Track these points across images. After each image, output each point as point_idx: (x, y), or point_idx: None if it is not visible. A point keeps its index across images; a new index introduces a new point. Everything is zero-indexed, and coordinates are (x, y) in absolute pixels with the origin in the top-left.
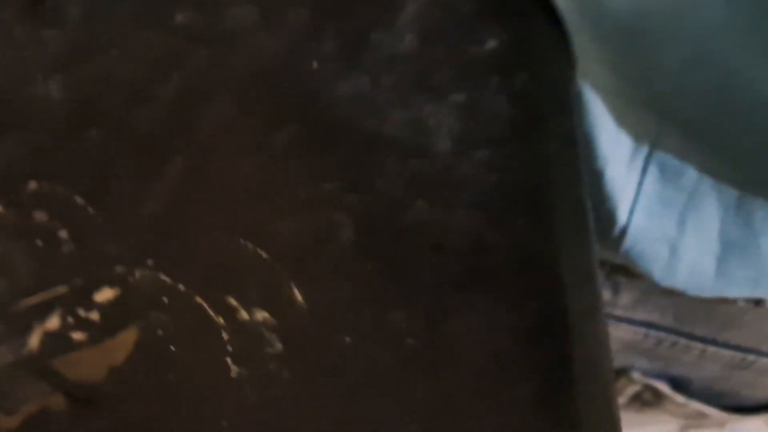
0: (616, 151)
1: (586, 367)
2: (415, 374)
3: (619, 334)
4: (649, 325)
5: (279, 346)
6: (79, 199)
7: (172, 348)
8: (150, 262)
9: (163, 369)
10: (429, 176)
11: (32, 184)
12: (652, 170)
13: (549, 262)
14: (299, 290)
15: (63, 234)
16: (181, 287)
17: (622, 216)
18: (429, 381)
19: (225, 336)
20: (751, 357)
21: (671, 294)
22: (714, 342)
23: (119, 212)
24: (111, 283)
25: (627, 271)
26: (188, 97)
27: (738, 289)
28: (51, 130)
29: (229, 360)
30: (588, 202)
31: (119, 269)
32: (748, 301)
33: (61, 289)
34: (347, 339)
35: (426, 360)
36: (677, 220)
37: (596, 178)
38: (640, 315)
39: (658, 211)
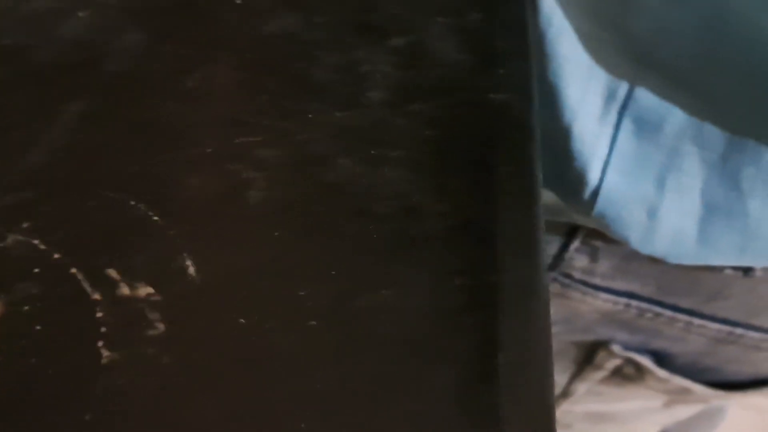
0: (585, 103)
1: (517, 354)
2: (318, 360)
3: (597, 304)
4: (630, 295)
5: (161, 327)
6: None
7: (37, 327)
8: (26, 224)
9: (25, 351)
10: (357, 130)
11: None
12: (627, 124)
13: (484, 231)
14: (193, 261)
15: None
16: (57, 256)
17: (593, 176)
18: (332, 368)
19: (99, 314)
20: (738, 330)
21: (653, 261)
22: (700, 314)
23: (2, 166)
24: None
25: (605, 236)
26: (95, 32)
27: (722, 257)
28: None
29: (100, 343)
30: (538, 160)
31: None
32: (736, 269)
33: None
34: (241, 320)
35: (331, 344)
36: (655, 181)
37: (563, 133)
38: (620, 284)
39: (633, 171)
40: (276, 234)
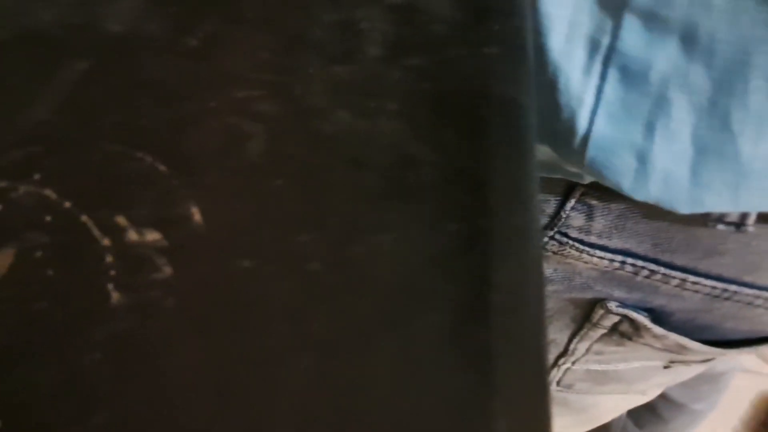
0: (569, 56)
1: (508, 297)
2: (314, 302)
3: (594, 261)
4: (625, 253)
5: (168, 270)
6: None
7: (49, 272)
8: (36, 176)
9: (35, 295)
10: (354, 84)
11: None
12: (613, 73)
13: (477, 180)
14: (198, 208)
15: None
16: (67, 204)
17: (582, 125)
18: (329, 309)
19: (108, 259)
20: (733, 287)
21: (649, 218)
22: (694, 271)
23: (8, 120)
24: None
25: (600, 194)
26: None
27: (716, 198)
28: None
29: (109, 285)
30: (531, 114)
31: (2, 184)
32: (729, 224)
33: None
34: (245, 263)
35: (328, 286)
36: (644, 126)
37: (549, 87)
38: (616, 242)
39: (621, 118)
40: (276, 183)
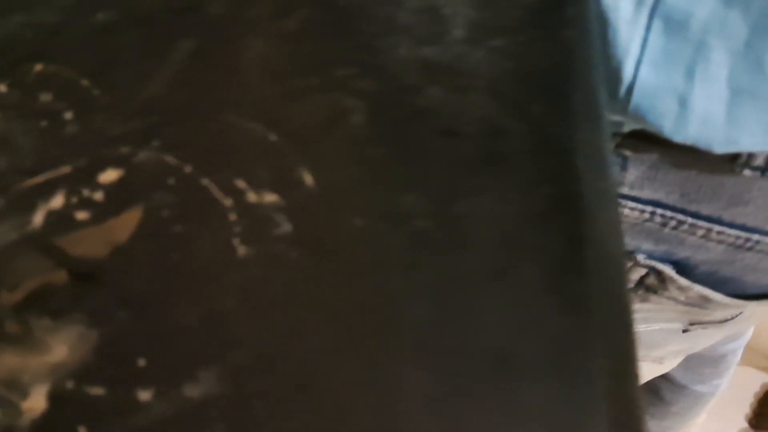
0: (617, 9)
1: (597, 250)
2: (425, 255)
3: (626, 213)
4: (655, 203)
5: (288, 227)
6: (84, 81)
7: (177, 228)
8: (155, 143)
9: (166, 248)
10: (442, 63)
11: (38, 66)
12: (657, 24)
13: (563, 147)
14: (309, 173)
15: (68, 115)
16: (187, 169)
17: (627, 73)
18: (438, 261)
19: (232, 217)
20: (755, 237)
21: (678, 168)
22: (719, 221)
23: (125, 94)
24: (115, 164)
25: (635, 145)
26: None
27: (750, 137)
28: (58, 13)
29: (235, 240)
30: (602, 88)
31: (124, 150)
32: (755, 169)
33: (65, 169)
34: (357, 221)
35: (436, 241)
36: (685, 72)
37: (597, 39)
38: (647, 193)
39: (664, 65)
40: (378, 150)
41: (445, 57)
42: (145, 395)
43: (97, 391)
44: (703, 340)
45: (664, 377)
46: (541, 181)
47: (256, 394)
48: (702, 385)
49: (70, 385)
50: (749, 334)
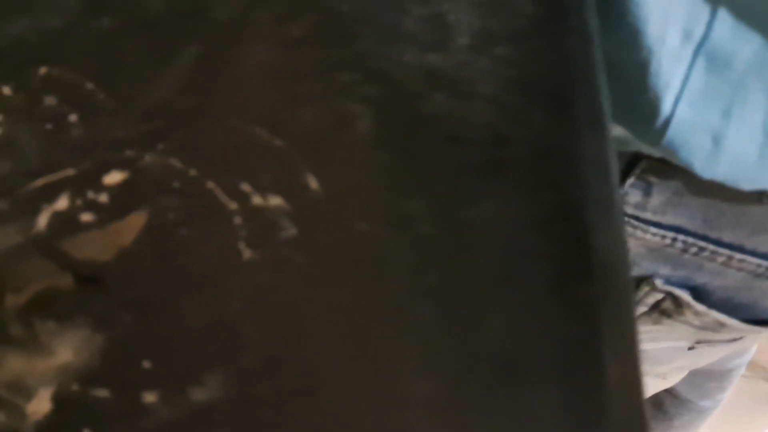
0: (663, 42)
1: (601, 257)
2: (430, 260)
3: (647, 238)
4: (677, 229)
5: (293, 231)
6: (90, 85)
7: (182, 231)
8: (161, 146)
9: (172, 251)
10: (447, 70)
11: (42, 69)
12: (700, 62)
13: (567, 155)
14: (314, 177)
15: (72, 118)
16: (193, 172)
17: (666, 107)
18: (443, 266)
19: (237, 221)
20: None
21: (702, 195)
22: (741, 249)
23: (130, 97)
24: (120, 167)
25: (661, 171)
26: None
27: None
28: (63, 17)
29: (241, 244)
30: (605, 98)
31: (129, 153)
32: None
33: (70, 172)
34: (362, 225)
35: (441, 246)
36: (722, 111)
37: (639, 69)
38: (670, 219)
39: (702, 102)
40: (382, 156)
41: (450, 64)
42: (150, 398)
43: (102, 393)
44: (708, 356)
45: (668, 391)
46: (544, 188)
47: (261, 398)
48: (706, 400)
49: (75, 387)
50: (754, 348)
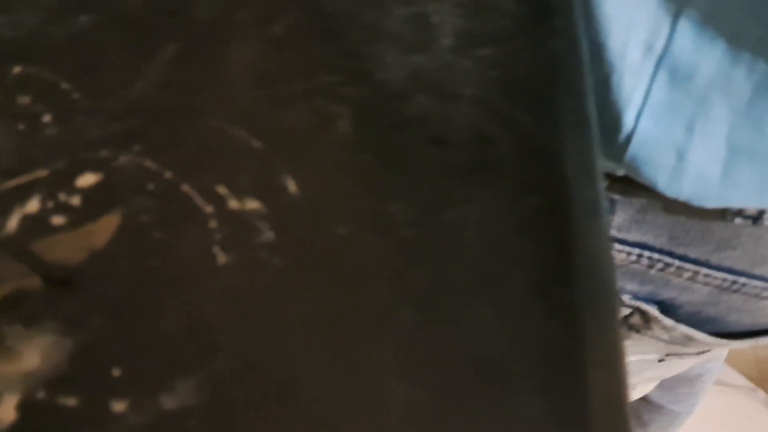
0: (624, 56)
1: (585, 260)
2: (411, 263)
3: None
4: (642, 246)
5: (270, 234)
6: (65, 84)
7: (156, 235)
8: (136, 147)
9: (144, 255)
10: (430, 71)
11: (17, 68)
12: (662, 75)
13: (551, 157)
14: (293, 180)
15: (47, 118)
16: (168, 174)
17: (628, 122)
18: (425, 270)
19: (213, 224)
20: (742, 279)
21: (667, 212)
22: (707, 264)
23: (106, 97)
24: (94, 168)
25: (623, 189)
26: None
27: (743, 196)
28: (40, 14)
29: (216, 248)
30: (591, 100)
31: (103, 154)
32: (746, 218)
33: (42, 173)
34: (342, 229)
35: (422, 249)
36: (685, 126)
37: (601, 84)
38: (634, 236)
39: (665, 117)
40: (364, 158)
41: (433, 65)
42: (119, 406)
43: (69, 401)
44: (677, 368)
45: (643, 399)
46: (528, 190)
47: (235, 404)
48: (678, 405)
49: (41, 395)
50: (724, 355)
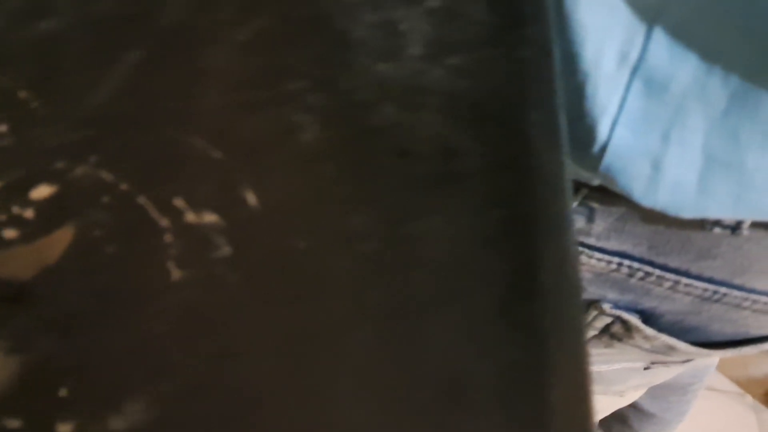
0: (599, 66)
1: (550, 276)
2: (372, 279)
3: (592, 263)
4: (622, 255)
5: (227, 249)
6: (23, 93)
7: (109, 249)
8: (93, 158)
9: (97, 270)
10: (398, 80)
11: None
12: (637, 84)
13: (518, 169)
14: (253, 192)
15: (2, 128)
16: (124, 186)
17: (603, 132)
18: (385, 285)
19: (168, 238)
20: (723, 289)
21: (646, 222)
22: (687, 273)
23: (66, 106)
24: (49, 180)
25: (602, 198)
26: None
27: (719, 207)
28: (1, 19)
29: (170, 263)
30: (561, 111)
31: (59, 165)
32: (725, 228)
33: None
34: (301, 243)
35: (384, 264)
36: (660, 135)
37: (576, 94)
38: (614, 245)
39: (641, 127)
40: (327, 169)
41: (401, 74)
42: (64, 429)
43: (12, 423)
44: (663, 375)
45: (633, 406)
46: (494, 203)
47: (184, 426)
48: (669, 413)
49: None
50: (715, 362)
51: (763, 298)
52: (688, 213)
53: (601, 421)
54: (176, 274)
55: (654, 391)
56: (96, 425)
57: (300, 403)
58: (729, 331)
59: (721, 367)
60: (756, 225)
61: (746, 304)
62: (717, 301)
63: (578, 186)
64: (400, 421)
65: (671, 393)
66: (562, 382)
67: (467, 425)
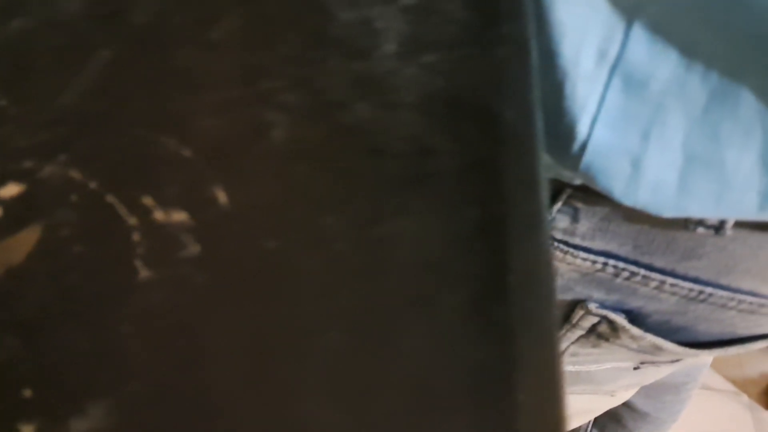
0: (577, 64)
1: (522, 277)
2: (341, 280)
3: (577, 263)
4: (607, 254)
5: (196, 248)
6: None
7: (76, 248)
8: (62, 157)
9: (63, 270)
10: (372, 78)
11: None
12: (616, 82)
13: (492, 169)
14: (223, 191)
15: None
16: (93, 185)
17: (582, 130)
18: (355, 287)
19: (136, 237)
20: (708, 289)
21: (631, 221)
22: (673, 273)
23: (35, 105)
24: (17, 179)
25: (586, 197)
26: None
27: (700, 206)
28: None
29: (137, 262)
30: (538, 110)
31: (27, 164)
32: (708, 228)
33: None
34: (271, 243)
35: (354, 265)
36: (641, 134)
37: (554, 92)
38: (599, 244)
39: (620, 125)
40: (299, 168)
41: (375, 72)
42: (27, 429)
43: None
44: (653, 375)
45: (627, 406)
46: (467, 203)
47: (148, 428)
48: (663, 413)
49: None
50: (709, 361)
51: (749, 298)
52: (669, 212)
53: (595, 420)
54: (144, 273)
55: (648, 391)
56: (59, 426)
57: (268, 404)
58: (716, 331)
59: (717, 366)
60: (740, 225)
61: (732, 304)
62: (703, 301)
63: (562, 186)
64: (369, 421)
65: (665, 392)
66: (532, 383)
67: (436, 426)
